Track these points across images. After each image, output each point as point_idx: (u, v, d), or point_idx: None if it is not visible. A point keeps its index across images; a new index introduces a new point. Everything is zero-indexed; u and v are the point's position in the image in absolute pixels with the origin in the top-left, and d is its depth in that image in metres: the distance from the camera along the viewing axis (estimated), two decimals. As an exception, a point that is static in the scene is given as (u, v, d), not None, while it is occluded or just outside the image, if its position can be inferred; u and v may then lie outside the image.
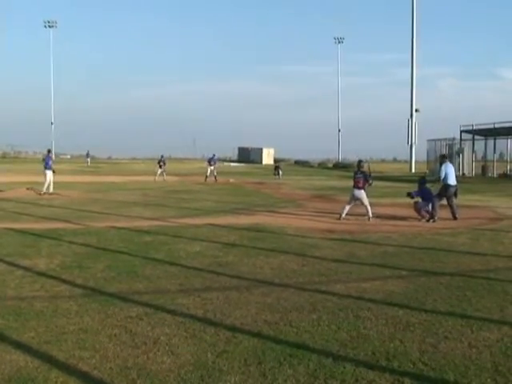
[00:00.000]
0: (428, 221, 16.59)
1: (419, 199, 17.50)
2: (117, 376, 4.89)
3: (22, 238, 12.62)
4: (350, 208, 17.25)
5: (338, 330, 6.18)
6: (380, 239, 12.94)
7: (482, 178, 46.23)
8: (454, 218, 16.84)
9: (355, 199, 17.39)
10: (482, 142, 52.87)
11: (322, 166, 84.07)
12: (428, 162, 57.34)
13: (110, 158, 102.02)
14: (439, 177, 17.55)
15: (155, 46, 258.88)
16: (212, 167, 41.64)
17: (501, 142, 51.04)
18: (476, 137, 52.79)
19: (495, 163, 51.19)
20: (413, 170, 62.86)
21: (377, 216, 17.06)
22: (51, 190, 26.10)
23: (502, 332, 6.15)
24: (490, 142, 51.67)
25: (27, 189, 27.92)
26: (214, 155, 43.20)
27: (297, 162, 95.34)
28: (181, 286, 8.22)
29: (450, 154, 48.07)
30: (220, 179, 39.91)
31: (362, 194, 17.27)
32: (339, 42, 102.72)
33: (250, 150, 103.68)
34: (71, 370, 4.98)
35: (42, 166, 27.24)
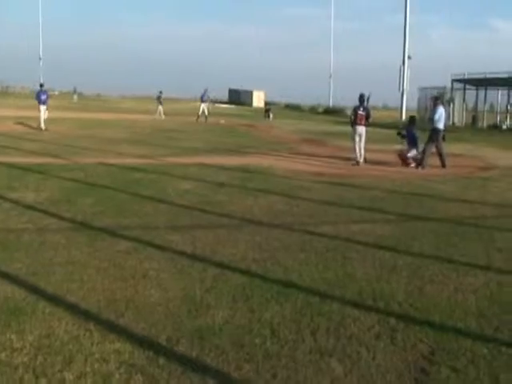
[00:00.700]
0: (417, 167, 16.58)
1: (404, 146, 17.46)
2: (104, 308, 4.90)
3: (9, 172, 12.53)
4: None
5: (326, 269, 6.22)
6: (369, 184, 12.95)
7: (472, 128, 46.11)
8: (443, 165, 16.81)
9: (360, 136, 16.96)
10: (473, 93, 52.51)
11: (313, 110, 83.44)
12: (419, 109, 56.93)
13: (98, 95, 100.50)
14: (432, 119, 17.32)
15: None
16: (204, 104, 41.32)
17: (492, 93, 50.78)
18: (467, 87, 52.41)
19: (485, 114, 51.06)
20: (403, 118, 62.57)
21: (368, 161, 17.02)
22: (42, 125, 25.70)
23: (487, 277, 6.20)
24: (481, 92, 51.36)
25: (18, 124, 27.59)
26: (205, 90, 42.63)
27: (287, 106, 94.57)
28: (170, 222, 8.21)
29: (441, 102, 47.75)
30: (210, 120, 39.58)
31: (364, 131, 17.01)
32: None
33: (241, 92, 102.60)
34: (58, 301, 4.98)
35: (30, 101, 26.90)
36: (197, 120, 39.27)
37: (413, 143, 17.27)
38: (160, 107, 42.36)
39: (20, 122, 28.03)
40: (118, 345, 4.17)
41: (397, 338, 4.50)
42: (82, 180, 11.72)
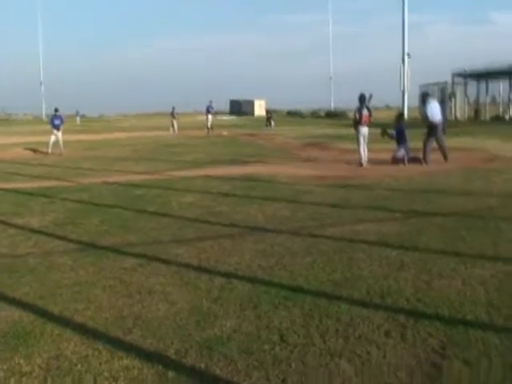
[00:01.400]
0: (405, 164, 16.52)
1: (393, 140, 17.48)
2: (112, 325, 4.89)
3: (14, 198, 12.57)
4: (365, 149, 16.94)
5: (333, 271, 6.19)
6: (373, 184, 12.92)
7: (475, 122, 46.03)
8: (445, 158, 16.73)
9: (364, 137, 16.85)
10: (475, 86, 52.53)
11: (315, 115, 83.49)
12: (420, 107, 57.05)
13: (101, 116, 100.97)
14: (425, 115, 17.28)
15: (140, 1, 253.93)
16: (210, 115, 41.82)
17: (493, 85, 50.80)
18: (468, 80, 52.39)
19: (488, 106, 51.00)
20: (405, 116, 62.49)
21: (370, 161, 16.98)
22: (49, 150, 25.69)
23: (495, 268, 6.16)
24: (483, 85, 51.37)
25: (29, 150, 27.65)
26: (210, 102, 43.24)
27: (289, 113, 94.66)
28: (174, 236, 8.20)
29: (442, 98, 47.66)
30: (213, 132, 39.67)
31: (367, 131, 16.90)
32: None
33: (242, 103, 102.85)
34: (66, 323, 4.97)
35: (34, 127, 26.98)
36: (208, 133, 39.56)
37: (402, 141, 17.25)
38: (174, 122, 42.69)
39: (27, 147, 28.14)
40: (126, 362, 4.15)
41: (407, 334, 4.47)
42: (87, 201, 11.74)
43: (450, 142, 17.76)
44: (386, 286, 5.62)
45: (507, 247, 6.98)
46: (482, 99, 51.79)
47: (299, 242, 7.61)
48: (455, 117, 49.54)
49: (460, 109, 52.06)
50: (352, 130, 17.69)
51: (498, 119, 46.62)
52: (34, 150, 26.88)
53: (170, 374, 3.93)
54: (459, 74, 51.67)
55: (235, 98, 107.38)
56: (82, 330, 4.80)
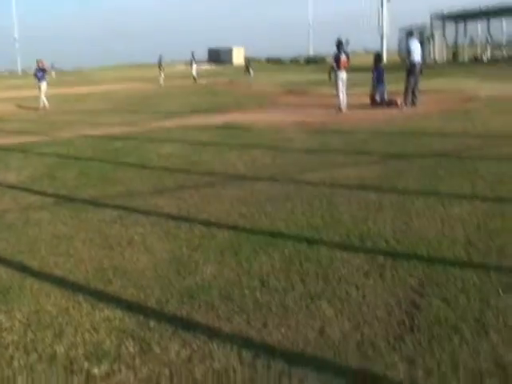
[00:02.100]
0: (388, 106, 16.47)
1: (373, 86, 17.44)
2: (92, 278, 4.86)
3: (-11, 154, 12.36)
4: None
5: (312, 216, 6.19)
6: (352, 128, 12.88)
7: (453, 63, 45.89)
8: (414, 103, 16.58)
9: (343, 82, 16.73)
10: (453, 28, 52.15)
11: (294, 62, 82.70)
12: (399, 51, 56.53)
13: (77, 69, 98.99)
14: (408, 50, 17.05)
15: None
16: (195, 65, 41.34)
17: (471, 27, 50.47)
18: (446, 22, 51.96)
19: (466, 48, 50.79)
20: (384, 60, 62.05)
21: (349, 106, 16.89)
22: (41, 104, 25.13)
23: (473, 206, 6.21)
24: (461, 27, 51.02)
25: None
26: (193, 52, 42.78)
27: (268, 60, 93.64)
28: (154, 187, 8.15)
29: (420, 40, 47.27)
30: (190, 81, 39.20)
31: (345, 76, 16.81)
32: None
33: (220, 51, 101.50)
34: (46, 277, 4.94)
35: (11, 81, 26.34)
36: (195, 82, 39.18)
37: (380, 81, 17.23)
38: (161, 73, 41.54)
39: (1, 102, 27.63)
40: (107, 313, 4.14)
41: (385, 274, 4.50)
42: (64, 155, 11.58)
43: (428, 84, 17.75)
44: (365, 229, 5.64)
45: (484, 186, 7.03)
46: (460, 41, 51.53)
47: (279, 188, 7.59)
48: (434, 59, 49.28)
49: (438, 51, 51.74)
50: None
51: (476, 60, 46.49)
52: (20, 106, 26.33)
53: (152, 323, 3.93)
54: (437, 16, 51.19)
55: (213, 46, 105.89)
56: (62, 283, 4.78)
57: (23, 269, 5.16)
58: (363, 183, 7.53)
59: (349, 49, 17.35)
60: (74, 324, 4.00)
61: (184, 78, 41.81)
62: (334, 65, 16.87)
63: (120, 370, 3.38)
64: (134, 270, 4.98)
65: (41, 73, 25.49)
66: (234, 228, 6.00)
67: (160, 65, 42.26)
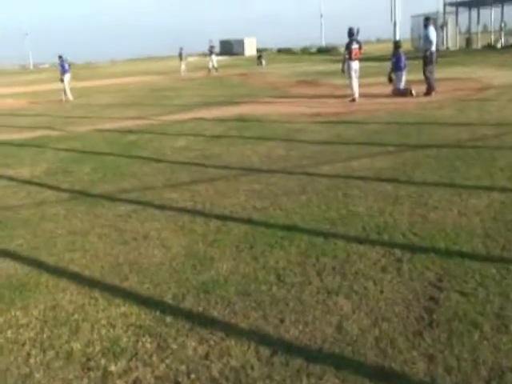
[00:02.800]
0: (426, 95, 16.25)
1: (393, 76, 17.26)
2: (108, 273, 4.87)
3: (3, 149, 12.41)
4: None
5: (328, 209, 6.15)
6: (366, 118, 12.78)
7: (467, 51, 45.41)
8: (428, 92, 16.41)
9: (355, 72, 16.58)
10: (466, 15, 51.59)
11: (306, 52, 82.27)
12: (412, 39, 56.05)
13: (89, 63, 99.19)
14: (427, 38, 16.79)
15: None
16: (214, 56, 40.84)
17: (485, 13, 49.84)
18: (460, 9, 51.45)
19: (479, 35, 50.26)
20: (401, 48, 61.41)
21: (363, 96, 16.77)
22: (69, 97, 25.38)
23: (491, 198, 6.13)
24: (474, 13, 50.46)
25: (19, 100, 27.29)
26: (210, 41, 42.13)
27: (280, 51, 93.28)
28: (168, 181, 8.13)
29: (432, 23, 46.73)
30: (202, 73, 39.08)
31: (358, 66, 16.66)
32: None
33: (232, 43, 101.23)
34: (62, 273, 4.94)
35: (22, 77, 26.52)
36: (214, 72, 38.89)
37: (400, 68, 17.08)
38: (182, 64, 41.38)
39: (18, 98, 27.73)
40: (123, 309, 4.14)
41: (403, 268, 4.46)
42: (78, 149, 11.60)
43: (442, 72, 17.53)
44: (381, 222, 5.59)
45: (502, 176, 6.95)
46: (473, 28, 51.01)
47: (294, 180, 7.55)
48: (447, 46, 48.84)
49: (451, 38, 51.25)
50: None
51: (489, 47, 45.94)
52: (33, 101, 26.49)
53: (168, 319, 3.93)
54: (451, 3, 50.70)
55: (225, 38, 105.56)
56: (78, 279, 4.78)
57: (39, 265, 5.18)
58: (379, 175, 7.47)
59: (360, 38, 17.16)
60: (90, 320, 4.00)
61: (196, 71, 41.54)
62: (346, 54, 16.74)
63: (137, 367, 3.38)
64: (150, 265, 4.98)
65: (64, 65, 25.80)
66: (249, 222, 5.97)
67: (181, 56, 42.13)
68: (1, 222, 6.61)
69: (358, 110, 14.65)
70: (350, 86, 16.69)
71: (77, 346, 3.66)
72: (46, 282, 4.73)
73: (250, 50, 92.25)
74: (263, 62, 48.51)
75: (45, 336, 3.82)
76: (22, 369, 3.45)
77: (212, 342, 3.59)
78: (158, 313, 4.03)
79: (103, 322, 3.96)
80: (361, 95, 16.65)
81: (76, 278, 4.81)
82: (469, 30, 51.52)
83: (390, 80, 17.43)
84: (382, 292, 4.09)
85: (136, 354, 3.53)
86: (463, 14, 51.89)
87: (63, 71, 25.72)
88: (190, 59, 57.53)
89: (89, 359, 3.50)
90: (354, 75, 16.52)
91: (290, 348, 3.46)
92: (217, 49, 43.28)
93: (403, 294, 4.03)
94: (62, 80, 25.53)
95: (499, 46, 45.87)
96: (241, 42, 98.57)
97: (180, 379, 3.24)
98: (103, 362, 3.46)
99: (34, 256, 5.41)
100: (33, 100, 26.27)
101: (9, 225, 6.49)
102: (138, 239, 5.70)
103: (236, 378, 3.20)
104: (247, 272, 4.65)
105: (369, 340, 3.46)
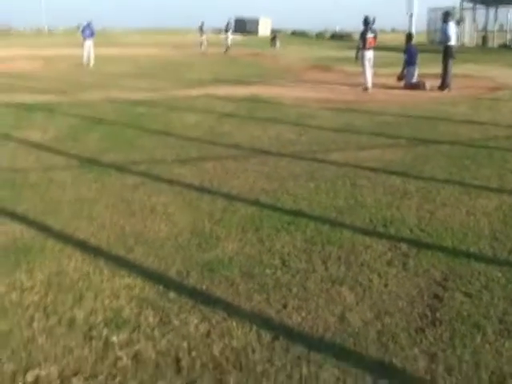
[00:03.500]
0: (442, 90, 16.15)
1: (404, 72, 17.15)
2: (114, 243, 4.87)
3: (15, 111, 12.39)
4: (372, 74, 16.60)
5: (336, 197, 6.14)
6: (378, 109, 12.74)
7: (483, 49, 45.14)
8: (442, 87, 16.33)
9: (369, 61, 16.47)
10: (483, 12, 51.18)
11: (320, 36, 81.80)
12: (428, 32, 55.67)
13: (103, 29, 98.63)
14: (446, 34, 16.65)
15: None
16: (230, 34, 40.28)
17: (502, 12, 49.45)
18: (477, 6, 51.02)
19: (495, 33, 49.91)
20: (413, 41, 61.02)
21: (376, 86, 16.69)
22: (92, 62, 25.49)
23: (500, 200, 6.11)
24: (492, 11, 50.08)
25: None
26: (229, 19, 41.58)
27: (294, 33, 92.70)
28: (177, 155, 8.11)
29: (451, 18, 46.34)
30: (214, 50, 38.86)
31: (373, 55, 16.56)
32: None
33: (247, 21, 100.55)
34: (68, 239, 4.95)
35: (31, 40, 26.51)
36: (226, 51, 38.49)
37: (413, 61, 16.97)
38: (204, 39, 40.79)
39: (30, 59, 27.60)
40: (128, 280, 4.15)
41: (409, 264, 4.45)
42: (88, 116, 11.58)
43: (456, 68, 17.40)
44: (389, 215, 5.58)
45: (512, 179, 6.92)
46: (490, 26, 50.63)
47: (303, 166, 7.53)
48: (463, 43, 48.50)
49: (468, 35, 50.89)
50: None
51: (505, 47, 45.66)
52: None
53: (172, 294, 3.93)
54: (469, -1, 50.31)
55: (240, 16, 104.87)
56: (84, 247, 4.79)
57: (45, 230, 5.18)
58: (388, 167, 7.45)
59: (375, 27, 17.02)
60: (94, 289, 4.01)
61: (210, 47, 41.22)
62: (361, 43, 16.64)
63: (139, 340, 3.39)
64: (156, 238, 4.98)
65: (88, 31, 25.85)
66: (256, 203, 5.96)
67: (201, 30, 41.66)
68: (9, 184, 6.61)
69: (370, 99, 14.60)
70: (364, 75, 16.60)
71: (80, 313, 3.67)
72: (51, 247, 4.74)
73: (265, 30, 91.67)
74: (277, 43, 48.21)
75: (48, 301, 3.83)
76: (25, 332, 3.46)
77: (214, 321, 3.60)
78: (161, 287, 4.03)
79: (107, 292, 3.97)
80: (374, 85, 16.57)
81: (82, 245, 4.81)
82: (485, 28, 51.14)
83: (400, 78, 17.31)
84: (386, 285, 4.09)
85: (138, 326, 3.54)
86: (479, 11, 51.49)
87: (90, 35, 25.81)
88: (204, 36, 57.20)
89: (91, 328, 3.51)
90: (368, 64, 16.41)
91: (291, 334, 3.46)
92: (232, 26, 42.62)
93: (408, 289, 4.03)
94: (85, 45, 25.62)
95: (514, 46, 45.60)
96: (255, 21, 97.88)
97: (181, 355, 3.25)
98: (105, 332, 3.47)
99: (41, 221, 5.41)
100: (47, 63, 26.13)
101: (17, 187, 6.49)
102: (144, 212, 5.69)
103: (236, 359, 3.21)
104: (252, 254, 4.65)
105: (371, 333, 3.46)
